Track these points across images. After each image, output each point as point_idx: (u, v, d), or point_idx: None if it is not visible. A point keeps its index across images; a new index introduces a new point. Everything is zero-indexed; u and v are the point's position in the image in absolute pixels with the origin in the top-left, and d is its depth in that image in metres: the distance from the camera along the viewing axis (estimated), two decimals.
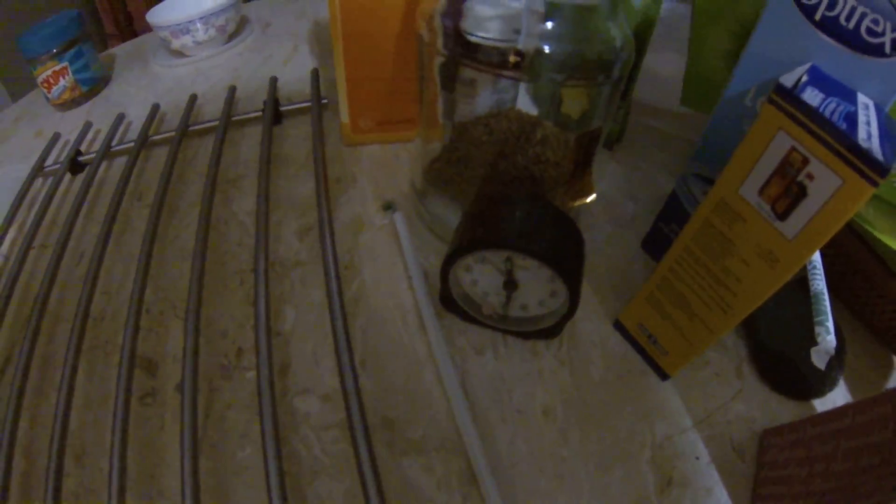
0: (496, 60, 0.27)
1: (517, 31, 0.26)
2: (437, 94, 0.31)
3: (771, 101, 0.17)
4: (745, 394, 0.27)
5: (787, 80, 0.18)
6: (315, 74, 0.50)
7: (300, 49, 0.62)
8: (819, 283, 0.24)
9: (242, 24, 0.71)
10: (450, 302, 0.28)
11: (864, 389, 0.27)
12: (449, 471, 0.24)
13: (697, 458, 0.25)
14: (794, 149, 0.17)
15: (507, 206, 0.25)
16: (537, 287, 0.25)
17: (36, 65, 0.55)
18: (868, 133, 0.16)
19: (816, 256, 0.25)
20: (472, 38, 0.27)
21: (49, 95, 0.57)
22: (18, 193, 0.43)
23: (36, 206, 0.42)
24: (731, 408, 0.26)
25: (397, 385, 0.27)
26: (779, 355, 0.27)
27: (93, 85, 0.60)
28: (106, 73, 0.63)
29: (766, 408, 0.27)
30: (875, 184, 0.15)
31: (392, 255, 0.34)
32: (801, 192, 0.17)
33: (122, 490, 0.22)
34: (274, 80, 0.51)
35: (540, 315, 0.27)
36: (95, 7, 1.47)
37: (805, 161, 0.17)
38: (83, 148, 0.48)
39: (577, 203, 0.31)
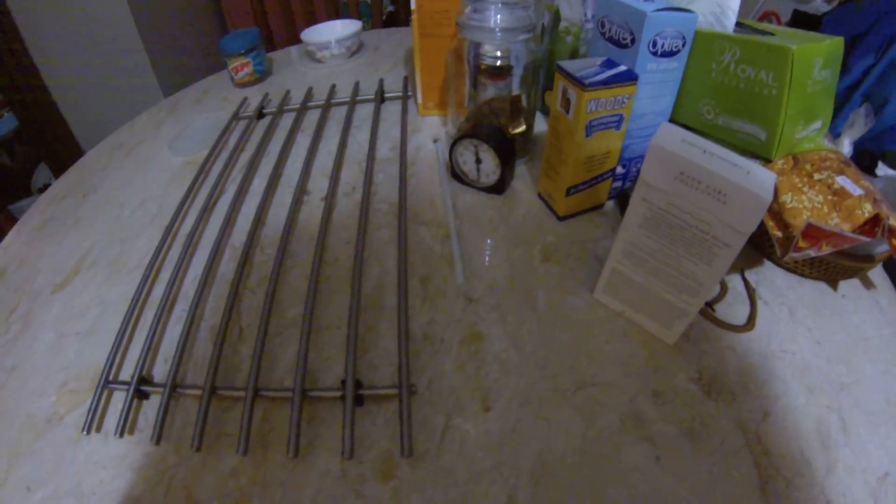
0: (495, 72, 0.63)
1: (500, 52, 0.62)
2: (464, 91, 0.67)
3: (557, 71, 0.52)
4: (610, 236, 0.58)
5: (587, 62, 0.52)
6: (405, 79, 0.89)
7: (397, 65, 1.03)
8: None
9: (361, 46, 1.13)
10: (455, 174, 0.64)
11: None
12: (439, 233, 0.59)
13: (569, 256, 0.57)
14: (564, 86, 0.51)
15: (480, 126, 0.61)
16: (490, 164, 0.60)
17: (230, 57, 0.97)
18: (596, 74, 0.49)
19: None
20: (484, 63, 0.63)
21: (235, 77, 0.99)
22: (224, 127, 0.83)
23: (235, 133, 0.82)
24: (600, 243, 0.58)
25: (425, 204, 0.64)
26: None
27: (262, 74, 1.02)
28: (269, 67, 1.05)
29: None
30: (586, 89, 0.48)
31: (433, 160, 0.72)
32: (569, 101, 0.51)
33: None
34: (381, 80, 0.90)
35: (493, 181, 0.62)
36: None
37: (567, 89, 0.51)
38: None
39: (517, 131, 0.67)
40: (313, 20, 1.60)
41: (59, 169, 1.91)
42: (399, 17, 1.66)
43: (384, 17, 1.75)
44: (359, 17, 1.58)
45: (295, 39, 1.55)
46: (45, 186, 1.96)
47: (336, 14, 1.64)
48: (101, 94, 1.87)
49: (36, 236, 0.70)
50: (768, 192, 0.35)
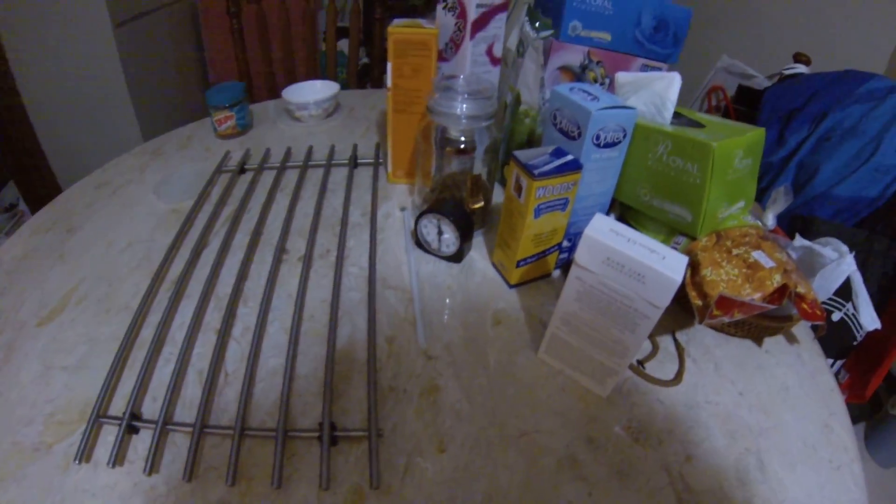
0: (459, 151, 0.72)
1: (464, 135, 0.72)
2: (430, 164, 0.76)
3: (511, 159, 0.61)
4: (555, 302, 0.67)
5: (539, 151, 0.61)
6: (377, 146, 0.98)
7: (370, 129, 1.11)
8: None
9: (337, 107, 1.21)
10: (418, 243, 0.73)
11: None
12: (403, 297, 0.67)
13: (517, 321, 0.65)
14: (517, 174, 0.60)
15: (442, 201, 0.70)
16: (450, 236, 0.69)
17: (215, 109, 1.04)
18: (545, 164, 0.58)
19: None
20: (449, 143, 0.72)
21: (218, 129, 1.06)
22: (208, 179, 0.90)
23: (217, 186, 0.89)
24: (545, 308, 0.67)
25: (392, 269, 0.72)
26: None
27: (244, 128, 1.09)
28: (251, 122, 1.12)
29: None
30: (535, 178, 0.57)
31: (400, 228, 0.80)
32: (521, 186, 0.60)
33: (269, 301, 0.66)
34: (355, 146, 0.99)
35: (453, 251, 0.71)
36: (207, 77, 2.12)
37: (519, 176, 0.60)
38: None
39: (476, 206, 0.75)
40: (293, 69, 1.69)
41: (27, 191, 1.91)
42: (373, 70, 1.77)
43: (358, 69, 1.87)
44: (335, 67, 1.68)
45: (274, 88, 1.63)
46: (12, 206, 1.96)
47: (314, 63, 1.73)
48: (79, 122, 1.90)
49: (18, 266, 0.72)
50: (679, 274, 0.44)
